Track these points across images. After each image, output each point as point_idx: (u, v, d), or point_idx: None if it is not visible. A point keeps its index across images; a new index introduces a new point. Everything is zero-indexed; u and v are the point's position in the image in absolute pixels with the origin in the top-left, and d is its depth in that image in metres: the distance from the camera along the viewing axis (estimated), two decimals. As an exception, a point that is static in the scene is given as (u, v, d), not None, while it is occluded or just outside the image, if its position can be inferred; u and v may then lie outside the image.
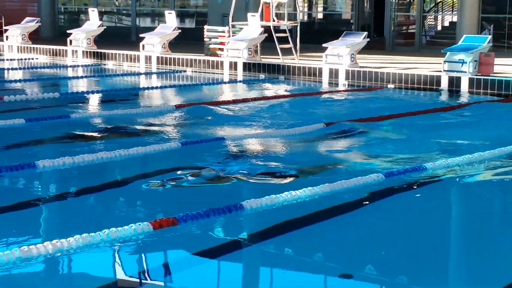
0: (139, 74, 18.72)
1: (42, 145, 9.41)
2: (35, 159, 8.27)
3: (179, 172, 8.04)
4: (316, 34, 22.90)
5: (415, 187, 7.79)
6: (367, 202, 7.40)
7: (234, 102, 13.52)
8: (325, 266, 5.80)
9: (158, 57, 19.39)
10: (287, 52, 18.14)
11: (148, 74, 18.56)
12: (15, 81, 17.08)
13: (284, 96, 14.61)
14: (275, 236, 6.36)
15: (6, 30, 23.02)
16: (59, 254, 5.58)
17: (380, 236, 6.46)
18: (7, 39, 22.92)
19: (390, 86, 15.66)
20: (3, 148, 9.25)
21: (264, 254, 5.99)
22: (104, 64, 20.14)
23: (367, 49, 17.72)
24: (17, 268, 5.35)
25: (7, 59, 21.48)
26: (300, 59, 18.02)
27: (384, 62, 17.93)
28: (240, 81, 17.26)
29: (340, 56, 16.57)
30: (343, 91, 15.51)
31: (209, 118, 11.83)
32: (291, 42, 18.11)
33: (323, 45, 16.96)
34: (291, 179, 7.96)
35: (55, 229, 6.40)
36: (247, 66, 17.90)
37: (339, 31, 18.79)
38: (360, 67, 16.54)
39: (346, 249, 6.12)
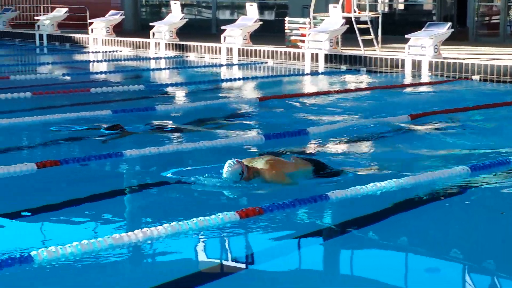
0: (220, 66, 18.88)
1: (128, 136, 9.60)
2: (122, 148, 8.46)
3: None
4: (397, 25, 22.65)
5: (500, 180, 7.67)
6: (452, 195, 7.32)
7: (316, 94, 13.51)
8: (409, 256, 5.78)
9: (239, 49, 19.51)
10: (368, 43, 18.01)
11: (229, 66, 18.70)
12: (101, 73, 17.47)
13: (366, 88, 14.53)
14: (359, 227, 6.37)
15: (91, 23, 23.52)
16: (148, 242, 5.70)
17: (465, 228, 6.40)
18: (92, 32, 23.41)
19: (475, 77, 15.39)
20: (91, 138, 9.46)
21: (348, 244, 5.99)
22: (186, 56, 20.38)
23: (449, 40, 17.45)
24: (109, 255, 5.49)
25: (92, 52, 21.96)
26: (381, 50, 17.87)
27: (468, 53, 17.62)
28: (321, 73, 17.24)
29: (423, 47, 16.37)
30: (427, 83, 15.33)
31: (291, 110, 11.86)
32: (372, 33, 17.98)
33: (406, 36, 16.77)
34: (376, 170, 7.93)
35: (143, 217, 6.53)
36: (328, 58, 17.85)
37: (421, 22, 18.55)
38: (444, 58, 16.30)
39: (431, 240, 6.08)
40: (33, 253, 5.29)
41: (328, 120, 10.85)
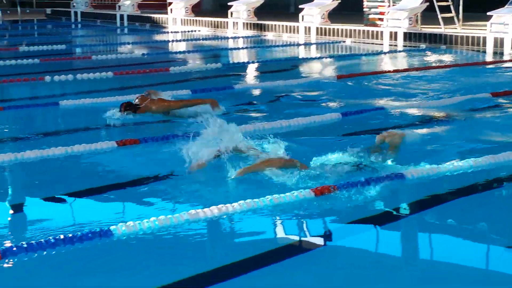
0: (298, 45, 18.85)
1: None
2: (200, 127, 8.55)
3: (340, 142, 8.08)
4: (479, 2, 22.17)
5: None
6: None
7: (395, 72, 13.38)
8: (486, 236, 5.69)
9: (317, 28, 19.44)
10: (448, 21, 17.70)
11: (307, 45, 18.66)
12: (179, 52, 17.66)
13: (446, 66, 14.29)
14: (435, 206, 6.30)
15: (170, 4, 23.77)
16: (224, 217, 5.77)
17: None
18: (171, 12, 23.66)
19: (560, 55, 14.99)
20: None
21: (423, 224, 5.94)
22: (264, 36, 20.41)
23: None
24: (185, 229, 5.59)
25: (171, 32, 22.21)
26: (462, 28, 17.54)
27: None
28: (400, 51, 17.04)
29: (506, 25, 15.99)
30: (509, 60, 14.99)
31: (369, 88, 11.78)
32: (453, 11, 17.66)
33: (488, 13, 16.42)
34: (454, 149, 7.82)
35: (218, 194, 6.58)
36: (408, 36, 17.63)
37: (504, -1, 18.12)
38: (527, 35, 15.92)
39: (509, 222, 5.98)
40: (112, 227, 5.42)
41: (406, 97, 10.74)
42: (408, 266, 5.17)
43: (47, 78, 12.50)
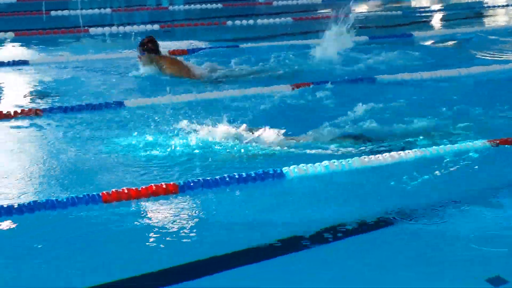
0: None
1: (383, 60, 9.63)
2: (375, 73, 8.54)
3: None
4: None
5: None
6: None
7: None
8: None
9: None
10: None
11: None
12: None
13: None
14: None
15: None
16: (397, 165, 5.76)
17: None
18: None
19: None
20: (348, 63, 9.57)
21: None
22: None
23: None
24: (354, 176, 5.65)
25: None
26: None
27: None
28: None
29: None
30: None
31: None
32: None
33: None
34: None
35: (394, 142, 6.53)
36: None
37: None
38: None
39: None
40: (285, 169, 5.57)
41: None
42: None
43: (229, 22, 12.85)
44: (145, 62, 9.02)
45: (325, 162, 5.64)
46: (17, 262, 4.46)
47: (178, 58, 9.43)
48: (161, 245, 4.61)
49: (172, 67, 8.99)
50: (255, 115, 7.17)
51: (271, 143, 6.20)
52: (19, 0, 15.17)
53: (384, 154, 5.85)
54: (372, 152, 6.00)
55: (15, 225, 4.87)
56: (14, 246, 4.65)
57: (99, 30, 12.30)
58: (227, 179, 5.44)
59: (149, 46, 9.00)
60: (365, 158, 5.79)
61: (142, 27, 12.49)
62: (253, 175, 5.49)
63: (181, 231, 4.77)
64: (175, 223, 4.89)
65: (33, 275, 4.30)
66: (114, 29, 12.39)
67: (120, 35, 12.14)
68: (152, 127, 6.74)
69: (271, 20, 13.00)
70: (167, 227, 4.82)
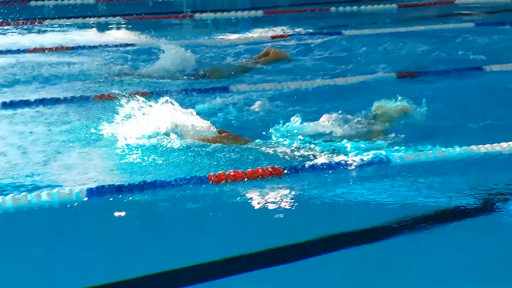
0: None
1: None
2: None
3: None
4: None
5: None
6: None
7: None
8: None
9: None
10: None
11: None
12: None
13: None
14: None
15: None
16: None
17: None
18: None
19: None
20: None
21: None
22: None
23: None
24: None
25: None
26: None
27: None
28: None
29: None
30: None
31: None
32: None
33: None
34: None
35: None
36: None
37: None
38: None
39: None
40: (391, 155, 5.58)
41: None
42: None
43: (332, 9, 12.83)
44: None
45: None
46: (131, 237, 4.63)
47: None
48: (271, 224, 4.69)
49: None
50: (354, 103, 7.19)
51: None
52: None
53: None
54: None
55: (125, 202, 5.04)
56: (125, 224, 4.82)
57: (204, 15, 12.48)
58: (333, 164, 5.48)
59: None
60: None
61: (245, 13, 12.61)
62: (358, 161, 5.51)
63: (288, 212, 4.85)
64: (281, 204, 4.96)
65: (147, 251, 4.44)
66: (218, 14, 12.56)
67: (223, 21, 12.29)
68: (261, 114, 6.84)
69: (375, 7, 12.91)
70: (271, 208, 4.90)
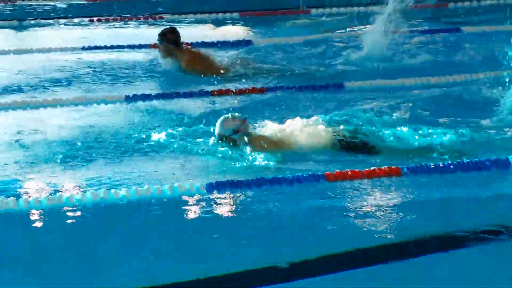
0: None
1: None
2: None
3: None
4: None
5: None
6: None
7: None
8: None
9: None
10: None
11: None
12: None
13: None
14: None
15: None
16: None
17: None
18: None
19: None
20: None
21: None
22: None
23: None
24: None
25: None
26: None
27: None
28: None
29: None
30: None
31: None
32: None
33: None
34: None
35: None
36: None
37: None
38: None
39: None
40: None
41: None
42: None
43: (451, 4, 12.61)
44: (164, 54, 8.59)
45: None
46: (249, 229, 4.76)
47: (202, 51, 8.96)
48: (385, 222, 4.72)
49: (192, 63, 8.52)
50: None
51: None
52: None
53: None
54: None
55: (243, 196, 5.16)
56: (244, 217, 4.94)
57: (320, 11, 12.47)
58: (451, 166, 5.43)
59: (167, 37, 8.54)
60: None
61: (362, 8, 12.52)
62: (473, 162, 5.44)
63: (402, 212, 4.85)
64: (398, 203, 4.98)
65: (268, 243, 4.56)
66: (334, 10, 12.52)
67: (339, 15, 12.24)
68: (374, 110, 6.84)
69: (495, 1, 12.58)
70: (385, 207, 4.92)
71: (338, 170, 5.34)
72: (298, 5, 12.90)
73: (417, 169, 5.39)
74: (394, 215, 4.84)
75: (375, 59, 8.88)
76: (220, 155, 5.84)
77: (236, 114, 6.06)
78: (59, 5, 13.12)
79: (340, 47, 9.78)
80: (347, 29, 10.78)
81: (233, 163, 5.70)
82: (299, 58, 9.19)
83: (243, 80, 8.24)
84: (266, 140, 5.93)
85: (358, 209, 4.93)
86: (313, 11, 12.55)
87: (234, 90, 7.70)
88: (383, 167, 5.37)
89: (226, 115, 6.01)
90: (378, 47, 9.07)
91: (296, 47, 9.77)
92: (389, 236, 4.55)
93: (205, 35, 10.62)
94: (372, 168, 5.38)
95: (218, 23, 11.93)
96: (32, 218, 4.98)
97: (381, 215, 4.82)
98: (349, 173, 5.31)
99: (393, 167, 5.38)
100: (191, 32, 10.95)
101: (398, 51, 9.16)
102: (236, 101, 7.20)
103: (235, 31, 11.34)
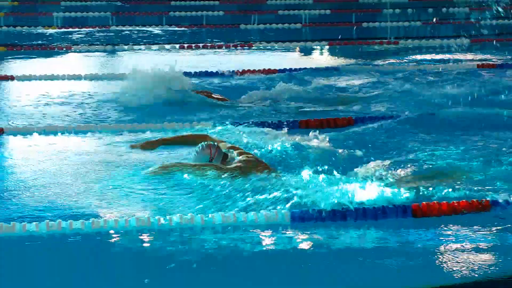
0: None
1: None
2: None
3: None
4: None
5: None
6: None
7: None
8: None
9: None
10: None
11: None
12: None
13: None
14: None
15: None
16: None
17: None
18: None
19: None
20: None
21: None
22: None
23: None
24: None
25: None
26: None
27: None
28: None
29: None
30: None
31: None
32: None
33: None
34: None
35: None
36: None
37: None
38: None
39: None
40: None
41: None
42: None
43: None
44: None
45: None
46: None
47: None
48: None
49: None
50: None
51: None
52: (333, 11, 15.68)
53: None
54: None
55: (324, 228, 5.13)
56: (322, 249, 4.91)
57: (408, 42, 12.44)
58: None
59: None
60: None
61: (451, 41, 12.44)
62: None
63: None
64: (487, 240, 4.87)
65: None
66: (424, 42, 12.46)
67: (429, 48, 12.19)
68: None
69: None
70: (473, 243, 4.81)
71: (424, 203, 5.23)
72: (386, 36, 12.95)
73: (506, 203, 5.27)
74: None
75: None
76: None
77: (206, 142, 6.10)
78: (152, 30, 13.46)
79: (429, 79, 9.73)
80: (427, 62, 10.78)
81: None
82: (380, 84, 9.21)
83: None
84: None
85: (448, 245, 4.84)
86: (401, 42, 12.57)
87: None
88: (471, 200, 5.26)
89: (196, 147, 6.06)
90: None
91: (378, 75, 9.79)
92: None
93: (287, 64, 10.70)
94: (461, 200, 5.27)
95: (306, 51, 12.10)
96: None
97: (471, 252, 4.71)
98: (436, 206, 5.21)
99: (481, 200, 5.26)
100: (279, 60, 11.10)
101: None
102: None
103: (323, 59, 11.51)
